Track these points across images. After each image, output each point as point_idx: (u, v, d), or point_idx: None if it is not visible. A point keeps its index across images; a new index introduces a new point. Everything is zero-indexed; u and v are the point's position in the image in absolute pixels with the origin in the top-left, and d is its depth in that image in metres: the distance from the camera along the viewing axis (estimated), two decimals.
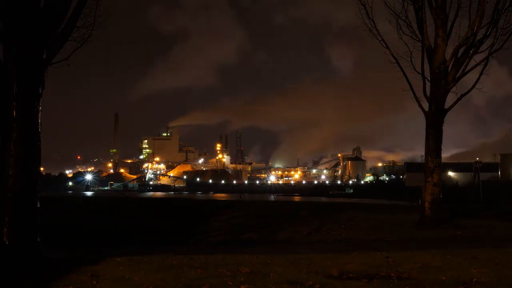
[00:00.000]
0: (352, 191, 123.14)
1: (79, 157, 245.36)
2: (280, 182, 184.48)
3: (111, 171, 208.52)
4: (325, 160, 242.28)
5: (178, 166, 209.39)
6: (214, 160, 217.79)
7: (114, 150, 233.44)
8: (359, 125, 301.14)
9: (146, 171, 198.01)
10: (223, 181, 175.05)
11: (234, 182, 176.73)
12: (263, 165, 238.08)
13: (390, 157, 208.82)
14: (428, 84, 20.73)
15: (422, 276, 9.73)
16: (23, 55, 10.72)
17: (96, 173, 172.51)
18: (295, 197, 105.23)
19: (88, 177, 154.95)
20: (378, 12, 20.83)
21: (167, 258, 11.56)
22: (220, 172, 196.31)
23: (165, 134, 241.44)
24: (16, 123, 10.62)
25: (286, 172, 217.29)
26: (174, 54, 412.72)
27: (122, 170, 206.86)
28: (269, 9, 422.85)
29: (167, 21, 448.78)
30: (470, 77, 20.97)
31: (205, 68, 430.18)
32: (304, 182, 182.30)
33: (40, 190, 11.04)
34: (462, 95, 20.90)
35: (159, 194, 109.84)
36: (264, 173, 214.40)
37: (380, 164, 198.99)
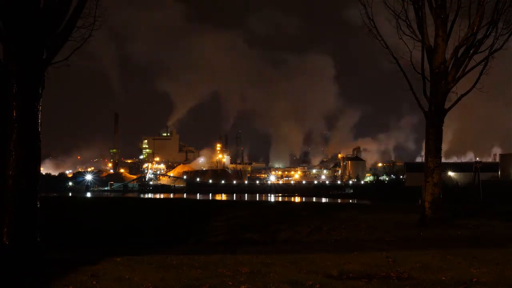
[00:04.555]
0: (352, 191, 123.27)
1: (79, 157, 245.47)
2: (280, 182, 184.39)
3: (111, 171, 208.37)
4: (324, 159, 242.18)
5: (178, 166, 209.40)
6: (214, 160, 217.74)
7: (114, 150, 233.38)
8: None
9: (146, 171, 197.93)
10: (223, 181, 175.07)
11: (234, 182, 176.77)
12: (263, 165, 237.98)
13: None
14: (428, 84, 20.75)
15: (422, 276, 9.73)
16: (23, 55, 10.72)
17: (96, 173, 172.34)
18: (295, 197, 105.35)
19: (88, 177, 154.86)
20: (378, 12, 20.87)
21: (167, 258, 11.56)
22: (220, 172, 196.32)
23: (165, 134, 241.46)
24: (16, 123, 10.61)
25: (286, 172, 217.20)
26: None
27: (122, 170, 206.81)
28: None
29: None
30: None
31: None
32: (304, 182, 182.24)
33: (40, 190, 11.05)
34: (462, 95, 20.92)
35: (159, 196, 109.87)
36: (264, 173, 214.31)
37: (380, 164, 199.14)
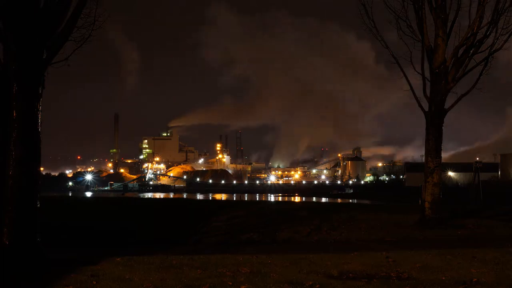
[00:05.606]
0: (352, 191, 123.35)
1: (79, 157, 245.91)
2: (280, 182, 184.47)
3: (111, 171, 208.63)
4: (325, 160, 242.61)
5: (178, 166, 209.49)
6: (214, 160, 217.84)
7: (114, 150, 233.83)
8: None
9: (146, 171, 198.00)
10: (223, 181, 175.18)
11: (234, 182, 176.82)
12: (263, 165, 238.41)
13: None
14: (428, 84, 20.75)
15: (422, 276, 9.73)
16: (23, 55, 10.72)
17: (96, 173, 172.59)
18: (295, 197, 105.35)
19: (88, 177, 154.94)
20: (378, 12, 20.87)
21: (167, 258, 11.56)
22: (220, 172, 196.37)
23: (165, 134, 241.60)
24: (16, 123, 10.61)
25: (286, 172, 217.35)
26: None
27: (122, 170, 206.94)
28: None
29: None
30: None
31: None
32: (304, 182, 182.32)
33: (40, 190, 11.05)
34: (462, 95, 20.92)
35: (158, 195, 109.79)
36: (264, 173, 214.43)
37: (380, 164, 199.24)
